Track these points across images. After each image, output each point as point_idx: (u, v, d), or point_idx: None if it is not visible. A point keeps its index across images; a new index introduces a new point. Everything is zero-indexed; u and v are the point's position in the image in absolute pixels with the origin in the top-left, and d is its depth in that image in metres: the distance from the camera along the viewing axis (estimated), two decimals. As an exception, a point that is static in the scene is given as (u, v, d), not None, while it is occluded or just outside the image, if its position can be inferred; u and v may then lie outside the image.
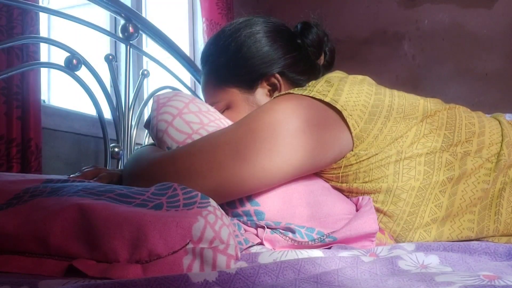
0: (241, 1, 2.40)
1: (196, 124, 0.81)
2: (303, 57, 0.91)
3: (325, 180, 0.82)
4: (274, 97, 0.80)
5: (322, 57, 0.95)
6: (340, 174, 0.78)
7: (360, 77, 0.85)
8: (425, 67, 2.31)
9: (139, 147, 1.00)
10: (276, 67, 0.89)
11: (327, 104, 0.75)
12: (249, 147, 0.71)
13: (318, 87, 0.78)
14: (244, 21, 0.93)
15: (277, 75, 0.89)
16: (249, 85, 0.90)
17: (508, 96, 2.14)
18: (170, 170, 0.73)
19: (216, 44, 0.94)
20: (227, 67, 0.91)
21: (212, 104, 0.92)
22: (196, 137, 0.79)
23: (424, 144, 0.76)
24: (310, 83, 0.82)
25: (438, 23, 2.29)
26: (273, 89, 0.90)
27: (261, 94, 0.90)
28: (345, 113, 0.74)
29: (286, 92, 0.79)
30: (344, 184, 0.79)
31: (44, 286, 0.42)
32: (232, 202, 0.75)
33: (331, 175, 0.80)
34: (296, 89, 0.80)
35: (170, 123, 0.81)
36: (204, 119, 0.82)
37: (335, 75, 0.85)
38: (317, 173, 0.81)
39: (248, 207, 0.74)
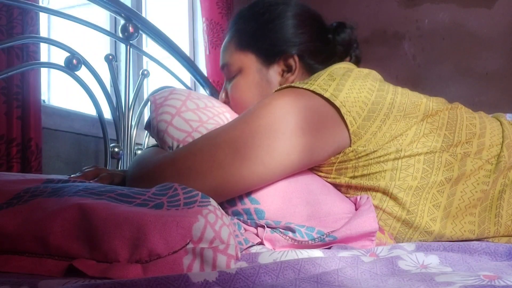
0: (241, 1, 2.40)
1: (195, 122, 0.81)
2: (329, 50, 0.94)
3: (324, 177, 0.82)
4: (275, 91, 0.80)
5: (348, 60, 0.97)
6: (337, 167, 0.79)
7: (365, 71, 0.85)
8: (425, 67, 2.31)
9: (145, 147, 1.00)
10: (297, 49, 0.90)
11: (327, 100, 0.75)
12: (248, 144, 0.72)
13: (320, 81, 0.78)
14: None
15: (296, 57, 0.90)
16: (268, 58, 0.91)
17: (509, 96, 2.14)
18: (171, 171, 0.73)
19: (251, 10, 0.96)
20: (254, 33, 0.93)
21: (225, 66, 0.94)
22: (196, 135, 0.79)
23: (424, 144, 0.76)
24: (313, 76, 0.82)
25: (438, 23, 2.29)
26: (288, 70, 0.91)
27: (274, 71, 0.91)
28: (343, 110, 0.75)
29: (287, 85, 0.80)
30: (342, 178, 0.79)
31: (44, 286, 0.42)
32: (232, 200, 0.75)
33: (329, 168, 0.80)
34: (298, 82, 0.80)
35: (169, 123, 0.81)
36: (203, 116, 0.82)
37: (340, 67, 0.86)
38: (316, 168, 0.81)
39: (249, 205, 0.75)
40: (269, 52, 0.91)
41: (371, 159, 0.76)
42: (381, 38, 2.37)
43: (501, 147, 0.78)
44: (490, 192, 0.77)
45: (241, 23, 0.95)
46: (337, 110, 0.75)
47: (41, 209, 0.55)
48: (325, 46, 0.94)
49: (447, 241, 0.75)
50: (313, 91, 0.76)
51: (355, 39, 0.98)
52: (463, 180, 0.76)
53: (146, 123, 0.89)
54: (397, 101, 0.78)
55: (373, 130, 0.75)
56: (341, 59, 0.95)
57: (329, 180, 0.81)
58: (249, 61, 0.92)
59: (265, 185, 0.75)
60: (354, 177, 0.78)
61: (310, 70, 0.91)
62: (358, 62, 0.99)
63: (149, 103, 0.90)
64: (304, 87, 0.77)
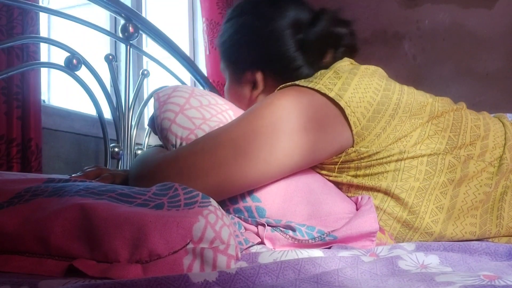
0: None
1: (199, 119, 0.81)
2: (300, 56, 0.86)
3: (325, 175, 0.81)
4: (278, 89, 0.80)
5: (331, 54, 0.87)
6: (339, 166, 0.78)
7: (372, 68, 0.83)
8: (426, 67, 2.31)
9: (145, 147, 1.00)
10: (258, 66, 0.88)
11: (331, 100, 0.75)
12: (250, 142, 0.72)
13: (325, 80, 0.77)
14: (243, 8, 0.92)
15: (259, 74, 0.88)
16: (236, 74, 0.92)
17: (509, 96, 2.13)
18: (174, 170, 0.73)
19: (224, 24, 0.95)
20: (224, 50, 0.94)
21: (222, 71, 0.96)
22: (199, 132, 0.79)
23: (428, 145, 0.76)
24: (318, 73, 0.81)
25: (439, 23, 2.29)
26: (255, 85, 0.90)
27: (244, 86, 0.91)
28: (347, 111, 0.74)
29: (291, 83, 0.79)
30: (344, 177, 0.79)
31: (44, 286, 0.42)
32: (234, 198, 0.76)
33: (332, 166, 0.80)
34: (302, 80, 0.79)
35: (173, 121, 0.81)
36: (206, 113, 0.83)
37: (346, 65, 0.83)
38: (318, 166, 0.81)
39: (250, 203, 0.75)
40: (236, 69, 0.92)
41: (373, 160, 0.76)
42: (381, 38, 2.37)
43: (503, 149, 0.78)
44: (492, 194, 0.76)
45: (218, 37, 0.96)
46: (342, 110, 0.75)
47: (41, 209, 0.55)
48: (297, 52, 0.85)
49: (447, 241, 0.75)
50: (317, 91, 0.76)
51: (338, 31, 0.86)
52: (466, 182, 0.76)
53: (149, 120, 0.89)
54: (403, 101, 0.78)
55: (377, 132, 0.75)
56: (318, 60, 0.86)
57: (330, 178, 0.81)
58: (227, 73, 0.94)
59: (267, 183, 0.75)
60: (356, 175, 0.78)
61: (284, 81, 0.82)
62: (351, 56, 0.89)
63: (149, 102, 0.90)
64: (309, 86, 0.76)
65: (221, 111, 0.85)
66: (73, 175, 0.88)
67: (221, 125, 0.79)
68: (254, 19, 0.89)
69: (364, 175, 0.77)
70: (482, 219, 0.76)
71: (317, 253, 0.62)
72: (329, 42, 0.87)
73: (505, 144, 0.79)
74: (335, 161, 0.78)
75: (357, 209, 0.78)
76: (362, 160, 0.76)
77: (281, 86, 0.80)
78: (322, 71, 0.82)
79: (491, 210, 0.76)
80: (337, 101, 0.74)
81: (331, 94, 0.75)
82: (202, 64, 2.30)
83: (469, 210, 0.75)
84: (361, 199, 0.78)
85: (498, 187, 0.77)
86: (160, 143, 0.88)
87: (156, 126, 0.85)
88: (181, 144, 0.80)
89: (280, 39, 0.86)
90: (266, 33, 0.87)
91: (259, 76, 0.88)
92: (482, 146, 0.78)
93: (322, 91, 0.75)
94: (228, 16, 0.94)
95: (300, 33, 0.86)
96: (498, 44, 2.18)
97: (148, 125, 0.93)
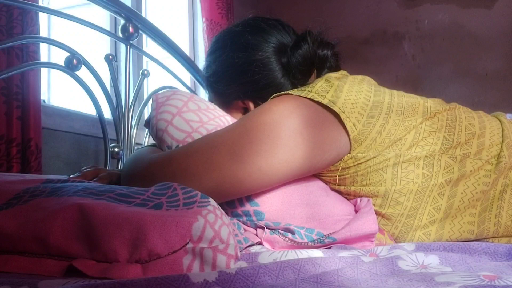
0: (241, 1, 2.40)
1: (196, 122, 0.81)
2: (287, 81, 0.86)
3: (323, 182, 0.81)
4: (272, 97, 0.79)
5: (314, 75, 0.88)
6: (338, 177, 0.78)
7: (359, 77, 0.84)
8: (425, 67, 2.31)
9: (139, 147, 1.00)
10: (245, 95, 0.88)
11: (325, 106, 0.75)
12: (245, 148, 0.71)
13: (317, 88, 0.77)
14: (225, 40, 0.90)
15: (247, 102, 0.88)
16: (225, 103, 0.91)
17: (508, 96, 2.14)
18: (167, 171, 0.73)
19: (205, 59, 0.95)
20: (209, 83, 0.93)
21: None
22: (196, 135, 0.79)
23: (423, 147, 0.76)
24: (312, 83, 0.81)
25: (438, 23, 2.29)
26: (246, 111, 0.89)
27: (236, 114, 0.91)
28: (342, 116, 0.74)
29: (285, 92, 0.79)
30: (341, 187, 0.79)
31: (44, 286, 0.42)
32: (232, 202, 0.75)
33: (329, 177, 0.79)
34: (296, 89, 0.79)
35: (169, 122, 0.81)
36: (203, 117, 0.82)
37: (335, 75, 0.84)
38: (315, 175, 0.81)
39: (248, 207, 0.74)
40: (225, 100, 0.91)
41: (370, 166, 0.75)
42: (381, 38, 2.37)
43: (501, 146, 0.78)
44: (490, 193, 0.76)
45: (204, 70, 0.96)
46: (337, 116, 0.75)
47: (40, 209, 0.55)
48: (283, 78, 0.86)
49: (446, 241, 0.75)
50: (310, 99, 0.75)
51: (323, 53, 0.86)
52: (463, 180, 0.75)
53: (146, 120, 0.89)
54: (395, 104, 0.78)
55: (373, 136, 0.75)
56: (307, 77, 0.86)
57: (329, 186, 0.81)
58: (215, 103, 0.92)
59: (264, 190, 0.74)
60: (353, 186, 0.78)
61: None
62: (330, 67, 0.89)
63: (149, 102, 0.90)
64: (301, 95, 0.76)
65: (219, 116, 0.84)
66: (71, 176, 0.88)
67: (219, 128, 0.79)
68: (238, 51, 0.87)
69: (362, 186, 0.77)
70: (480, 218, 0.76)
71: (317, 253, 0.62)
72: (314, 64, 0.86)
73: (502, 141, 0.79)
74: (331, 169, 0.78)
75: (356, 211, 0.78)
76: (358, 167, 0.75)
77: (274, 94, 0.79)
78: (315, 80, 0.82)
79: (490, 208, 0.76)
80: (331, 107, 0.74)
81: (324, 101, 0.75)
82: (202, 64, 2.30)
83: (467, 208, 0.75)
84: (360, 201, 0.78)
85: (497, 185, 0.76)
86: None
87: (151, 126, 0.85)
88: (177, 146, 0.79)
89: (266, 67, 0.85)
90: (252, 64, 0.85)
91: (249, 104, 0.88)
92: (479, 144, 0.78)
93: (315, 99, 0.75)
94: (211, 48, 0.94)
95: (285, 57, 0.85)
96: (498, 44, 2.18)
97: (144, 125, 0.93)
